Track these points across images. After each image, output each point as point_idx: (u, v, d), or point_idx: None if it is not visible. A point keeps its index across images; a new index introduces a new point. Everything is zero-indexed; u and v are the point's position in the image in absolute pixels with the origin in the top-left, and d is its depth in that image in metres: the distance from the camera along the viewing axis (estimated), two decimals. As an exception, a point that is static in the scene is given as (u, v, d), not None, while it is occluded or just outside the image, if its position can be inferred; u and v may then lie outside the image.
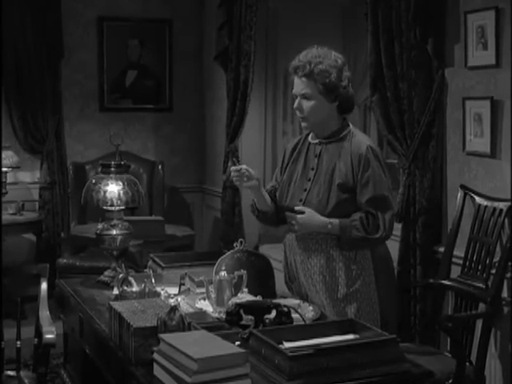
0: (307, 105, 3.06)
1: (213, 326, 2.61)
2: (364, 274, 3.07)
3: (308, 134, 3.25)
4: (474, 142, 3.78)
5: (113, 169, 3.58)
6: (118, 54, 6.62)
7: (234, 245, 3.28)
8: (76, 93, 6.49)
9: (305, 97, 3.05)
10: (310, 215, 3.02)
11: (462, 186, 3.80)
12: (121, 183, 3.55)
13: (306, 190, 3.12)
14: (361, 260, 3.07)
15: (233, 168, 3.18)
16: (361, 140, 3.08)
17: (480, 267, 3.58)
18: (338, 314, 3.04)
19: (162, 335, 2.33)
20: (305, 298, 3.16)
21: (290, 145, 3.33)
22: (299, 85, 3.04)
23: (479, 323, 3.49)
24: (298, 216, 3.04)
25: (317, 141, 3.16)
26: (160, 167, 6.44)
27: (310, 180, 3.13)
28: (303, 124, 3.14)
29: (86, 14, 6.47)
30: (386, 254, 3.20)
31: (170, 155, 6.80)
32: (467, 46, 3.77)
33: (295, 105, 3.09)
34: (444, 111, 3.97)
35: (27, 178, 6.31)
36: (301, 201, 3.11)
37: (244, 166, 3.15)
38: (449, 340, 3.67)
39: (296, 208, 3.06)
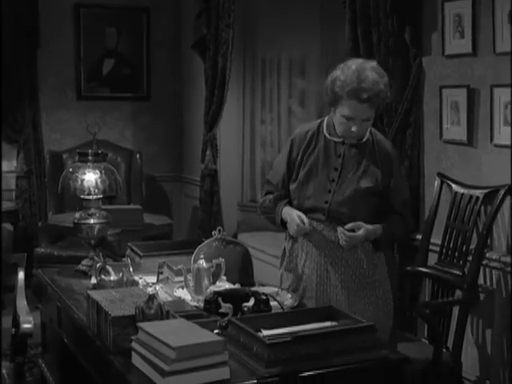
0: (366, 125, 3.06)
1: (191, 315, 2.62)
2: (381, 264, 3.17)
3: (319, 126, 3.19)
4: (450, 130, 3.80)
5: (90, 157, 3.57)
6: (94, 42, 6.56)
7: (213, 233, 3.28)
8: (53, 81, 6.43)
9: (366, 120, 3.03)
10: (365, 232, 3.02)
11: (439, 174, 3.82)
12: (98, 172, 3.54)
13: (330, 191, 3.09)
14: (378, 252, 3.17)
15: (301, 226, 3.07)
16: (384, 141, 3.18)
17: (457, 254, 3.60)
18: (354, 301, 3.08)
19: (140, 324, 2.33)
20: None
21: (297, 137, 3.21)
22: (363, 111, 2.97)
23: (456, 310, 3.52)
24: (355, 234, 2.99)
25: (339, 140, 3.11)
26: (138, 156, 6.41)
27: (333, 181, 3.09)
28: (354, 141, 3.09)
29: (62, 1, 6.39)
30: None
31: (148, 144, 6.76)
32: (444, 35, 3.78)
33: (354, 129, 3.00)
34: (421, 99, 3.99)
35: (4, 167, 6.24)
36: (326, 203, 3.07)
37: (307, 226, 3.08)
38: (426, 326, 3.70)
39: (349, 226, 3.00)
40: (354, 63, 3.00)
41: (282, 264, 3.28)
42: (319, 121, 3.24)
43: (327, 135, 3.15)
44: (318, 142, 3.15)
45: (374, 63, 3.04)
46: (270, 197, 3.24)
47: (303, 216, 3.06)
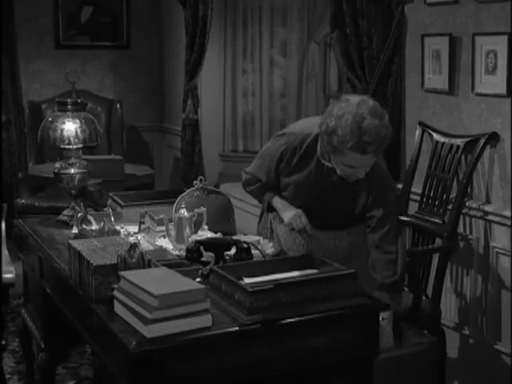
0: (370, 167, 2.86)
1: (173, 263, 2.62)
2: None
3: (315, 139, 2.96)
4: (432, 79, 3.79)
5: (69, 106, 3.52)
6: (72, -13, 6.45)
7: (194, 183, 3.28)
8: (30, 30, 6.32)
9: (370, 165, 2.86)
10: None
11: (420, 123, 3.82)
12: (78, 121, 3.50)
13: (318, 213, 3.08)
14: None
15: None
16: (379, 166, 2.99)
17: (437, 203, 3.63)
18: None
19: (122, 272, 2.33)
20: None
21: (289, 148, 3.01)
22: (367, 160, 2.79)
23: (436, 258, 3.56)
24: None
25: (332, 165, 2.92)
26: (118, 106, 6.35)
27: (321, 206, 3.07)
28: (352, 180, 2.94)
29: None
30: None
31: (128, 93, 6.70)
32: (427, -18, 3.75)
33: (360, 175, 2.84)
34: (403, 48, 3.97)
35: (-19, 118, 6.18)
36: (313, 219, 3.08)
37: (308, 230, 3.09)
38: (406, 274, 3.74)
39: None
40: (349, 112, 2.70)
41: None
42: (315, 133, 2.94)
43: (320, 158, 2.98)
44: (312, 160, 3.00)
45: (370, 103, 2.75)
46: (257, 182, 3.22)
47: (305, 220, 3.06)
